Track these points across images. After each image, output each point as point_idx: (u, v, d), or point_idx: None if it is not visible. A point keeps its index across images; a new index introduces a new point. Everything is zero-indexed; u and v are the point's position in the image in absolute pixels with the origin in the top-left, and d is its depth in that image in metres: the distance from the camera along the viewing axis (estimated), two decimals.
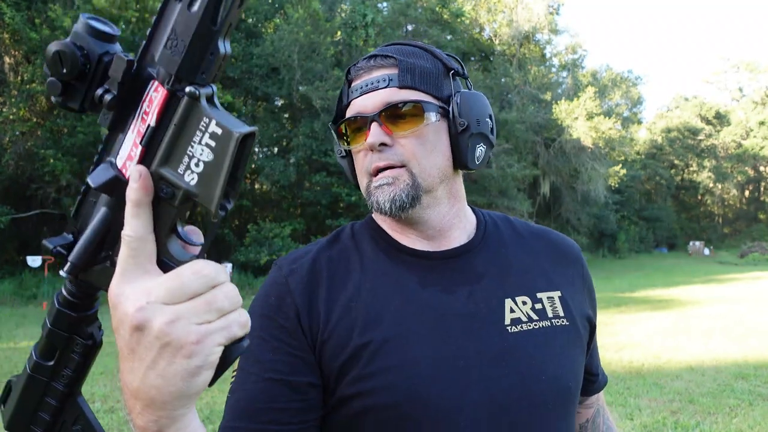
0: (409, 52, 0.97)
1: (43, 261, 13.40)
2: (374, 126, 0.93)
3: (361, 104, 0.95)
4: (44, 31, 14.79)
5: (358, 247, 1.00)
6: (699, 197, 48.35)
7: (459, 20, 24.70)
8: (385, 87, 0.94)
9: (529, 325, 0.93)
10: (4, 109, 15.45)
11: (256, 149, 23.07)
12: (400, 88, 0.94)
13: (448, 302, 0.92)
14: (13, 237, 16.33)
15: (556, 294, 0.98)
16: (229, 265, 16.11)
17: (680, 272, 23.84)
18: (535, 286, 0.98)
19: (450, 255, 0.98)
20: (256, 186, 23.09)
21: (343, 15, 21.87)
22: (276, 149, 22.12)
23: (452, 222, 1.00)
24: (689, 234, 44.70)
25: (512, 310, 0.94)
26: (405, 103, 0.94)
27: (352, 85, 0.98)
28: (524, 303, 0.95)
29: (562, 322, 0.96)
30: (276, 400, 0.86)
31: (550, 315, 0.96)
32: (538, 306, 0.95)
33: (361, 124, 0.95)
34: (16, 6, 15.11)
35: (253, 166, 20.75)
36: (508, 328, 0.92)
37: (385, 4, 23.12)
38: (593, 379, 1.10)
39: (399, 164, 0.93)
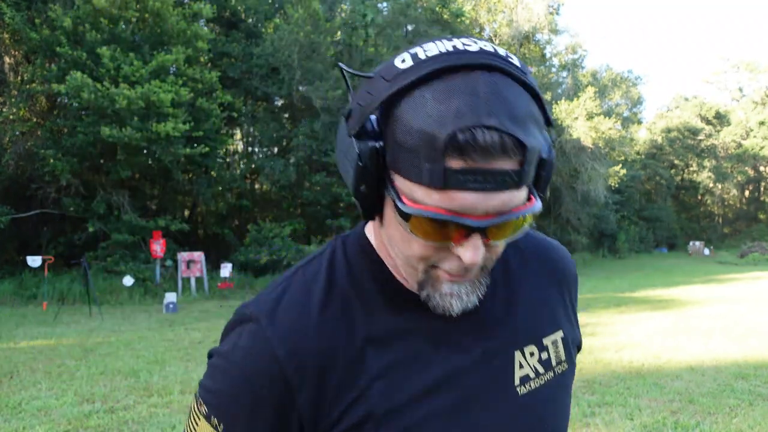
0: (527, 115, 0.67)
1: (43, 261, 13.40)
2: (477, 239, 0.69)
3: (471, 205, 0.66)
4: (44, 31, 14.79)
5: (361, 297, 0.81)
6: (699, 197, 48.34)
7: (459, 20, 24.69)
8: (505, 189, 0.66)
9: (536, 382, 0.85)
10: (4, 109, 15.46)
11: (256, 149, 23.09)
12: (519, 188, 0.68)
13: (464, 366, 0.81)
14: (13, 237, 16.33)
15: (559, 335, 0.90)
16: (229, 265, 16.12)
17: (680, 272, 23.82)
18: (541, 330, 0.88)
19: None
20: (256, 186, 23.10)
21: (343, 15, 21.86)
22: (276, 149, 22.12)
23: None
24: (689, 234, 44.69)
25: (521, 365, 0.84)
26: (523, 214, 0.70)
27: (454, 163, 0.64)
28: (531, 354, 0.86)
29: (563, 367, 0.89)
30: None
31: (554, 363, 0.88)
32: (544, 355, 0.87)
33: (455, 224, 0.69)
34: (16, 6, 15.10)
35: (253, 166, 20.78)
36: (518, 388, 0.83)
37: (385, 4, 23.12)
38: None
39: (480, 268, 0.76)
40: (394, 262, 0.81)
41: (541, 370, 0.86)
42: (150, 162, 16.45)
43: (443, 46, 0.68)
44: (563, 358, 0.89)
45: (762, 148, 45.48)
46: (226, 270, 15.90)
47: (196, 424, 0.81)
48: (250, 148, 23.34)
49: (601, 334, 9.20)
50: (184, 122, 15.17)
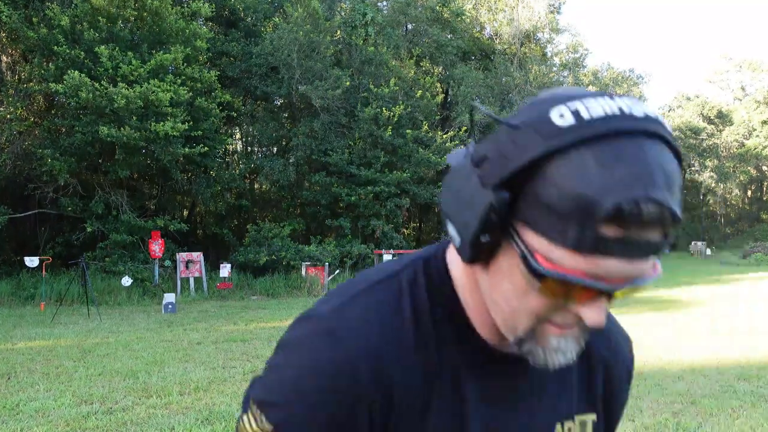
0: (678, 187, 0.66)
1: (41, 261, 13.36)
2: (603, 301, 0.68)
3: (614, 271, 0.64)
4: (42, 29, 14.75)
5: (439, 336, 0.79)
6: (701, 197, 48.30)
7: (459, 19, 24.64)
8: (649, 258, 0.66)
9: None
10: (1, 108, 15.42)
11: (255, 149, 23.06)
12: (659, 257, 0.68)
13: (510, 426, 0.80)
14: (11, 237, 16.31)
15: (591, 418, 0.87)
16: (228, 266, 16.07)
17: (682, 272, 23.80)
18: (579, 405, 0.86)
19: (522, 358, 0.76)
20: (256, 186, 23.07)
21: (342, 14, 21.83)
22: (275, 149, 22.10)
23: None
24: (691, 234, 44.64)
25: None
26: (652, 280, 0.69)
27: (609, 231, 0.61)
28: (569, 430, 0.84)
29: None
30: None
31: None
32: None
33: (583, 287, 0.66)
34: (13, 4, 15.07)
35: (252, 165, 20.74)
36: None
37: (385, 2, 23.10)
38: None
39: None
40: (474, 305, 0.78)
41: None
42: (149, 162, 16.42)
43: (608, 107, 0.63)
44: None
45: (765, 147, 45.42)
46: (225, 270, 15.86)
47: (243, 427, 0.76)
48: (249, 148, 23.32)
49: None
50: (183, 122, 15.13)
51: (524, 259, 0.65)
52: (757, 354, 7.73)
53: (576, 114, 0.62)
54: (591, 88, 22.02)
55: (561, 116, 0.63)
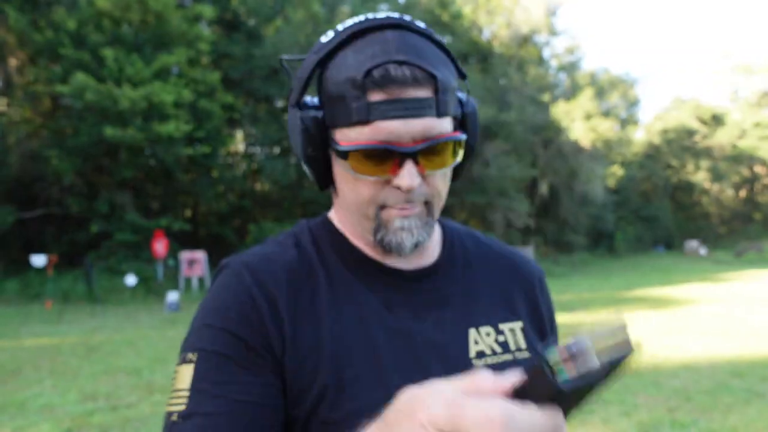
0: (435, 57, 0.79)
1: (47, 260, 13.45)
2: (411, 165, 0.77)
3: (395, 132, 0.76)
4: (48, 33, 14.85)
5: (323, 259, 0.88)
6: (695, 197, 48.44)
7: (458, 22, 24.78)
8: (424, 115, 0.76)
9: (493, 359, 0.87)
10: (9, 110, 15.51)
11: (257, 150, 23.16)
12: (438, 116, 0.78)
13: (418, 330, 0.84)
14: (18, 237, 16.37)
15: (518, 325, 0.92)
16: None
17: (677, 271, 23.84)
18: (498, 316, 0.91)
19: (419, 275, 0.89)
20: (257, 186, 23.16)
21: (343, 17, 21.95)
22: (277, 149, 22.19)
23: (431, 240, 0.91)
24: (686, 234, 44.76)
25: (476, 342, 0.87)
26: (448, 140, 0.79)
27: (375, 96, 0.75)
28: (488, 334, 0.88)
29: (524, 354, 0.90)
30: (256, 424, 0.75)
31: (512, 348, 0.90)
32: (501, 338, 0.89)
33: (387, 153, 0.77)
34: (20, 8, 15.17)
35: (254, 166, 20.85)
36: (473, 361, 0.85)
37: (384, 5, 23.21)
38: None
39: (422, 202, 0.83)
40: (352, 231, 0.89)
41: (498, 350, 0.88)
42: (152, 162, 16.52)
43: (356, 18, 0.81)
44: (523, 346, 0.91)
45: (757, 149, 45.62)
46: None
47: (176, 374, 0.81)
48: (251, 149, 23.40)
49: None
50: (186, 123, 15.25)
51: (334, 150, 0.80)
52: (751, 351, 7.75)
53: (335, 30, 0.81)
54: (588, 90, 22.10)
55: (326, 35, 0.82)
